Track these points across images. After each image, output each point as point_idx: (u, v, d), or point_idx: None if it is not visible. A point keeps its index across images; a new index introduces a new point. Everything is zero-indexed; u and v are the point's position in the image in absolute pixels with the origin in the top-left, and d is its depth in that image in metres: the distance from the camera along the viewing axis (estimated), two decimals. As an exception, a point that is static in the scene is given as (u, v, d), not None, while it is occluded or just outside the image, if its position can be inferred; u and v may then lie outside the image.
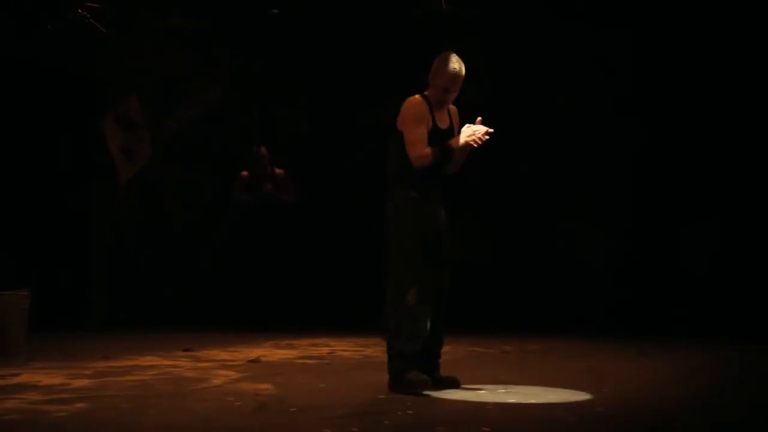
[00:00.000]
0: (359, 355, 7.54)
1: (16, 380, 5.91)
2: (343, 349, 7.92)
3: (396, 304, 5.45)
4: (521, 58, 9.91)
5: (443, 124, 5.57)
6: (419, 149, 5.41)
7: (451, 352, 6.51)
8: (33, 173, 9.83)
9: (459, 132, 5.58)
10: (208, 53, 10.33)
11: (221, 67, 10.45)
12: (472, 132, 5.46)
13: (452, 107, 5.67)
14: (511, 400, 5.28)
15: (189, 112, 10.34)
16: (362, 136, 9.64)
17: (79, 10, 8.65)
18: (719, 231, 9.65)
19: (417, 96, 5.54)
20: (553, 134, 10.00)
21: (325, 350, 7.81)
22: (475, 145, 5.47)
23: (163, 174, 10.49)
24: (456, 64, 5.49)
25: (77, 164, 10.19)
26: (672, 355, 7.46)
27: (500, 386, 5.67)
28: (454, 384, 5.57)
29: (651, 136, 9.81)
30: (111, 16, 9.07)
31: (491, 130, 5.47)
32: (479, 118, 5.52)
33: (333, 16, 9.93)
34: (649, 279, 9.83)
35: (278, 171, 10.07)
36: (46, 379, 5.95)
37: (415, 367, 5.46)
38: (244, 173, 10.05)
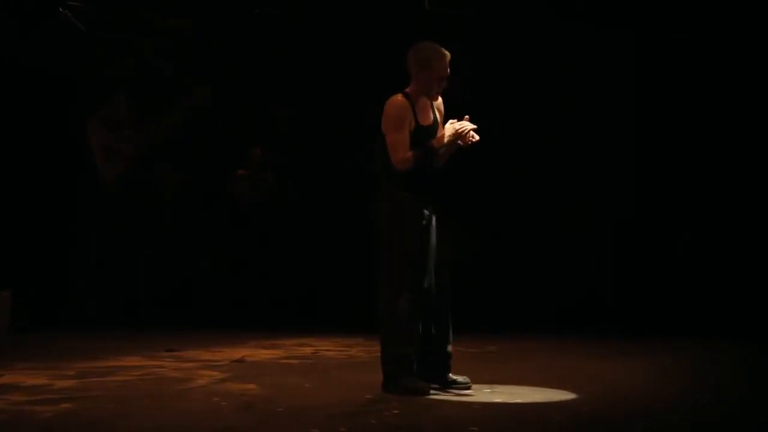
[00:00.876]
0: (344, 355, 7.52)
1: (-2, 381, 5.88)
2: (327, 348, 7.89)
3: (389, 307, 5.39)
4: (520, 57, 9.88)
5: (426, 120, 5.48)
6: (401, 153, 5.35)
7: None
8: (19, 173, 9.79)
9: (444, 123, 5.52)
10: (199, 53, 10.29)
11: (212, 66, 10.40)
12: (455, 130, 5.38)
13: (431, 101, 5.55)
14: (498, 399, 5.26)
15: (178, 112, 10.33)
16: (362, 136, 9.61)
17: (61, 9, 8.59)
18: (709, 231, 9.68)
19: (398, 97, 5.43)
20: (553, 134, 10.00)
21: (309, 350, 7.77)
22: (462, 144, 5.42)
23: (162, 173, 10.48)
24: (444, 49, 5.44)
25: (64, 163, 10.15)
26: (657, 355, 7.44)
27: (486, 386, 5.64)
28: (465, 385, 5.52)
29: (649, 136, 9.84)
30: (98, 15, 9.03)
31: (475, 127, 5.41)
32: (467, 117, 5.43)
33: (333, 16, 9.91)
34: (637, 279, 9.84)
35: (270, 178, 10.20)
36: (29, 379, 5.92)
37: (412, 372, 5.40)
38: (241, 172, 10.15)
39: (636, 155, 9.96)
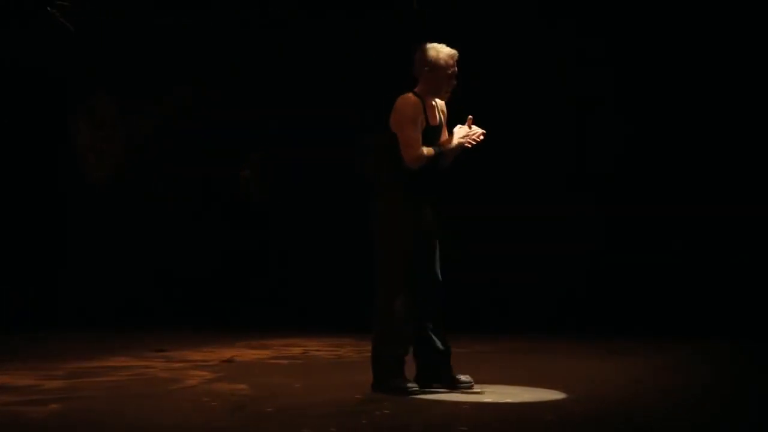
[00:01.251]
0: (333, 354, 7.54)
1: (-12, 382, 5.87)
2: (317, 348, 7.91)
3: (386, 307, 5.41)
4: (512, 56, 9.90)
5: (434, 121, 5.53)
6: (415, 151, 5.37)
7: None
8: (10, 172, 9.76)
9: (447, 125, 5.58)
10: (188, 52, 10.27)
11: (208, 66, 10.39)
12: (466, 133, 5.46)
13: (438, 102, 5.61)
14: (487, 399, 5.29)
15: (166, 111, 10.30)
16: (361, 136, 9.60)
17: (48, 8, 8.56)
18: (690, 229, 9.74)
19: (411, 95, 5.46)
20: (548, 134, 10.04)
21: (298, 350, 7.79)
22: (469, 146, 5.48)
23: (153, 173, 10.46)
24: (451, 49, 5.49)
25: (54, 163, 10.12)
26: (650, 355, 7.47)
27: (476, 386, 5.64)
28: (467, 385, 5.56)
29: (632, 134, 9.89)
30: (83, 14, 9.00)
31: (484, 131, 5.48)
32: (470, 117, 5.51)
33: (334, 15, 9.92)
34: (621, 278, 9.89)
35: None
36: (19, 380, 5.91)
37: (402, 372, 5.45)
38: (243, 173, 10.17)
39: (633, 154, 10.02)
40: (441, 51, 5.48)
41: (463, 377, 5.60)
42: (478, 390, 5.55)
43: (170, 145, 10.48)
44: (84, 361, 6.86)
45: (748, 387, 6.06)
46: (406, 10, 9.13)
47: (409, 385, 5.42)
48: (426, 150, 5.40)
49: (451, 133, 5.58)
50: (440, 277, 5.58)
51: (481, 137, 5.48)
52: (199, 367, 6.59)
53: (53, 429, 4.53)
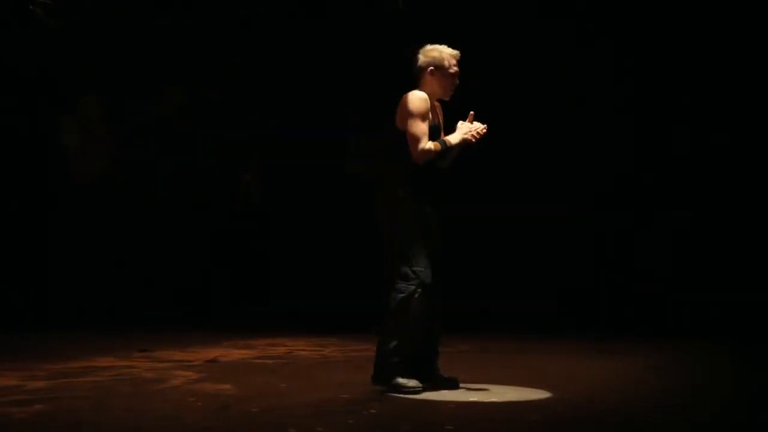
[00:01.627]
0: (318, 354, 7.50)
1: (-31, 383, 5.79)
2: (302, 348, 7.88)
3: (400, 306, 5.35)
4: (504, 57, 9.89)
5: (436, 120, 5.54)
6: (424, 144, 5.35)
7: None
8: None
9: (444, 128, 5.57)
10: (188, 52, 10.25)
11: (201, 66, 10.36)
12: (468, 128, 5.47)
13: (437, 103, 5.61)
14: (473, 398, 5.24)
15: (152, 111, 10.28)
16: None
17: (31, 6, 8.52)
18: (679, 229, 9.71)
19: (419, 91, 5.44)
20: (546, 134, 10.02)
21: (283, 350, 7.76)
22: (473, 141, 5.46)
23: (143, 173, 10.44)
24: (452, 49, 5.49)
25: (41, 162, 10.09)
26: (631, 354, 7.46)
27: (461, 385, 5.58)
28: (453, 384, 5.51)
29: (647, 137, 9.87)
30: (71, 12, 8.96)
31: (486, 126, 5.47)
32: (472, 113, 5.50)
33: (333, 15, 9.91)
34: (611, 277, 9.86)
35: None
36: (1, 381, 5.82)
37: (404, 370, 5.39)
38: (244, 177, 10.20)
39: (598, 151, 10.00)
40: (444, 51, 5.50)
41: (449, 376, 5.56)
42: (465, 389, 5.50)
43: (169, 145, 10.46)
44: (68, 361, 6.80)
45: (748, 387, 6.03)
46: (393, 10, 9.10)
47: (412, 383, 5.35)
48: (433, 144, 5.38)
49: (449, 134, 5.56)
50: (441, 276, 5.52)
51: (484, 131, 5.48)
52: (183, 367, 6.53)
53: (38, 429, 4.46)
